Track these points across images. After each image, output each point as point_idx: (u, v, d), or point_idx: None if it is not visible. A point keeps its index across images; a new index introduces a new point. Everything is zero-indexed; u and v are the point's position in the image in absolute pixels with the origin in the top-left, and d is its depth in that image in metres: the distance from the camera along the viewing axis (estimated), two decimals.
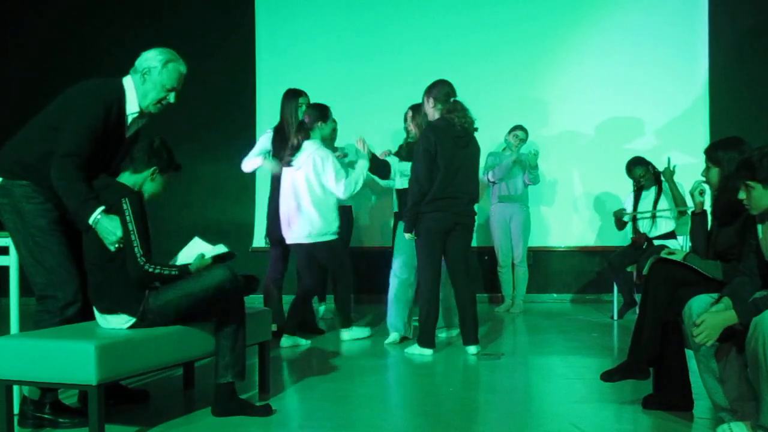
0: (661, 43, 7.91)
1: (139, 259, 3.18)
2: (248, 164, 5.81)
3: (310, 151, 5.24)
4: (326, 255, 5.36)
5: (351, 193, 5.33)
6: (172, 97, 3.41)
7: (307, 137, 5.29)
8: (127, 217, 3.19)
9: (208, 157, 8.44)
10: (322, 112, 5.38)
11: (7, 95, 8.39)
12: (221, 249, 3.47)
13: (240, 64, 8.44)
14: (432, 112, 5.03)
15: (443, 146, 4.86)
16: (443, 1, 8.22)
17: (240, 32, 8.46)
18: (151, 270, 3.21)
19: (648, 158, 6.74)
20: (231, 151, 8.47)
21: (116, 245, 3.18)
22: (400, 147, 6.13)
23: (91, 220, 3.17)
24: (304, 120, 5.35)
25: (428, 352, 4.90)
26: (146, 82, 3.35)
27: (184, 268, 3.33)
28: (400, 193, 5.88)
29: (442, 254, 5.02)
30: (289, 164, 5.29)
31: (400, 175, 5.86)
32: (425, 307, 4.93)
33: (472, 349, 4.92)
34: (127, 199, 3.21)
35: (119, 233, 3.17)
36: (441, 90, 5.00)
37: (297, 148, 5.28)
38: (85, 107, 3.25)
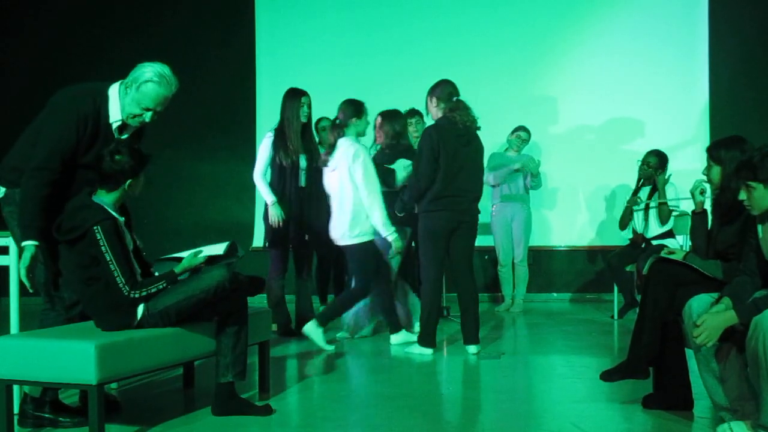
0: (661, 43, 7.91)
1: (123, 289, 3.13)
2: (260, 185, 5.61)
3: (344, 148, 5.10)
4: (356, 258, 5.16)
5: (371, 207, 5.02)
6: (147, 117, 3.30)
7: (342, 135, 5.15)
8: (102, 247, 3.11)
9: (208, 157, 8.45)
10: (356, 107, 5.20)
11: (7, 100, 8.38)
12: (218, 250, 3.43)
13: (240, 64, 8.45)
14: (435, 112, 5.04)
15: (445, 145, 4.87)
16: (444, 1, 8.23)
17: (240, 32, 8.46)
18: (137, 296, 3.16)
19: None
20: (231, 151, 8.51)
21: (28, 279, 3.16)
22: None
23: (21, 243, 3.17)
24: (338, 118, 5.20)
25: (428, 351, 4.91)
26: (126, 96, 3.28)
27: (171, 275, 3.27)
28: None
29: (446, 254, 5.03)
30: (325, 164, 5.20)
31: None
32: (427, 306, 4.93)
33: (472, 349, 4.92)
34: (99, 227, 3.11)
35: (26, 272, 3.14)
36: (444, 89, 5.01)
37: (333, 147, 5.15)
38: (58, 121, 3.23)
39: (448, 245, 4.97)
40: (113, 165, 3.20)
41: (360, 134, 5.23)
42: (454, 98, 5.00)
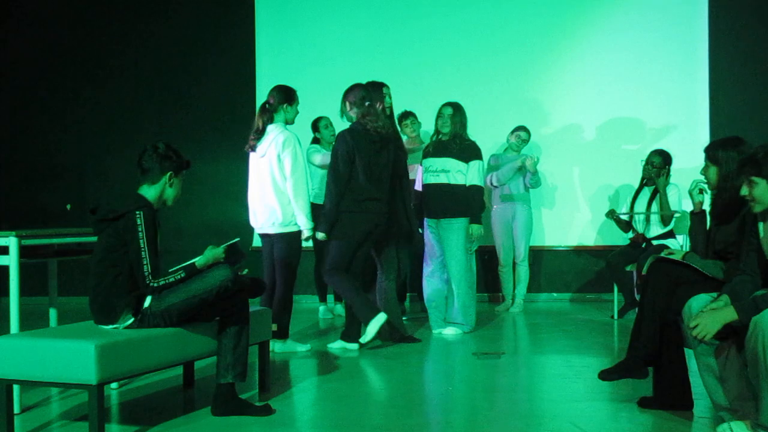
0: (661, 41, 7.92)
1: (146, 278, 3.22)
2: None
3: (273, 135, 4.95)
4: (283, 248, 4.98)
5: (296, 198, 4.90)
6: None
7: (271, 120, 5.01)
8: (140, 233, 3.21)
9: (208, 157, 8.45)
10: (287, 94, 5.03)
11: (7, 103, 8.37)
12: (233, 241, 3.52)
13: (240, 64, 8.46)
14: (351, 116, 5.13)
15: (359, 149, 4.97)
16: (443, 1, 8.23)
17: (240, 32, 8.47)
18: (156, 285, 3.24)
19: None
20: (231, 151, 8.50)
21: None
22: (428, 144, 5.94)
23: None
24: (268, 102, 5.04)
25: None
26: None
27: (191, 266, 3.34)
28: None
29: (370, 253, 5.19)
30: (253, 149, 5.05)
31: (424, 171, 5.79)
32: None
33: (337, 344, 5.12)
34: (141, 212, 3.23)
35: None
36: (357, 94, 5.09)
37: (261, 133, 4.99)
38: None
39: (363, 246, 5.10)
40: (156, 155, 3.36)
41: (288, 121, 5.06)
42: (366, 103, 5.05)
